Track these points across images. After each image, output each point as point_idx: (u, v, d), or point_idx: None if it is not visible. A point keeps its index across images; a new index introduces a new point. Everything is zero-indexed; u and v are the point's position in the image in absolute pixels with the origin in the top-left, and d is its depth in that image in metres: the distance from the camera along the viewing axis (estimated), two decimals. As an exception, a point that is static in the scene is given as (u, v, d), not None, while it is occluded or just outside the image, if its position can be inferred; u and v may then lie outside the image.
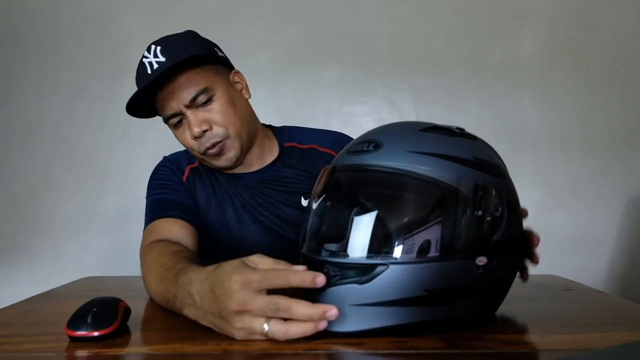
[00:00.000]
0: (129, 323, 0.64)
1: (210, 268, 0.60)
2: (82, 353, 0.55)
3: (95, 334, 0.58)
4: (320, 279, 0.55)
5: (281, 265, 0.58)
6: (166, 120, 0.96)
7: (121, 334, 0.61)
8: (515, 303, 0.75)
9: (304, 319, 0.54)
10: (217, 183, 1.04)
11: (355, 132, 1.20)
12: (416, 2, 1.91)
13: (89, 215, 1.88)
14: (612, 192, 1.91)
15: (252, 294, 0.54)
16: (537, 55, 1.91)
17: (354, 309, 0.57)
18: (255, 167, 1.05)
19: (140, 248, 0.90)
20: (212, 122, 0.94)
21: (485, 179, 0.60)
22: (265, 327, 0.54)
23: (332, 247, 0.63)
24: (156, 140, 1.90)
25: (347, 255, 0.59)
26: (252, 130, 1.02)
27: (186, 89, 0.92)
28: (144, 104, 0.96)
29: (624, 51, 1.92)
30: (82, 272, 1.17)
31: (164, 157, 1.09)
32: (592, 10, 1.92)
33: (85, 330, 0.58)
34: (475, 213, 0.58)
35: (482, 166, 0.61)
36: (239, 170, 1.04)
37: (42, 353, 0.56)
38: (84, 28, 1.89)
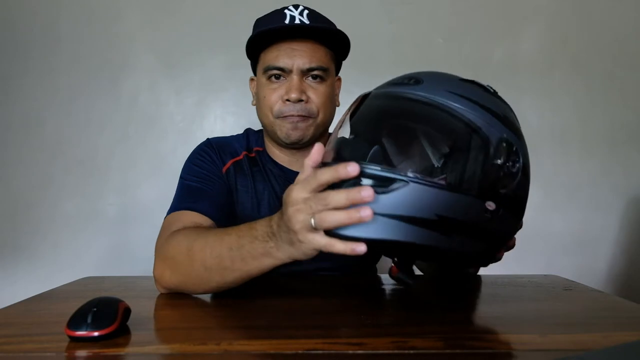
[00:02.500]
0: (129, 323, 0.64)
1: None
2: (82, 353, 0.55)
3: (95, 334, 0.58)
4: (353, 167, 0.57)
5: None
6: (267, 70, 0.96)
7: (121, 334, 0.61)
8: (515, 303, 0.76)
9: (343, 203, 0.57)
10: (260, 178, 1.04)
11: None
12: (416, 2, 1.91)
13: (89, 215, 1.88)
14: (612, 193, 1.91)
15: (304, 192, 0.60)
16: (537, 55, 1.91)
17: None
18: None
19: (162, 237, 0.87)
20: (311, 98, 0.96)
21: (510, 135, 0.64)
22: (312, 221, 0.59)
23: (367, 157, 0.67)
24: (156, 141, 1.91)
25: (373, 167, 0.61)
26: (324, 132, 1.05)
27: (311, 56, 0.94)
28: (256, 44, 0.97)
29: (624, 51, 1.92)
30: (82, 272, 1.17)
31: (208, 139, 1.07)
32: (592, 10, 1.92)
33: (85, 330, 0.58)
34: (495, 160, 0.62)
35: (508, 124, 0.65)
36: (290, 165, 1.05)
37: (42, 353, 0.56)
38: (84, 28, 1.89)
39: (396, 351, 0.55)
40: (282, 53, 0.94)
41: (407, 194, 0.58)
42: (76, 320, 0.59)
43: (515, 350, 0.55)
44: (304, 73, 0.95)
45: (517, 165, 0.64)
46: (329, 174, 0.58)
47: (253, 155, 1.07)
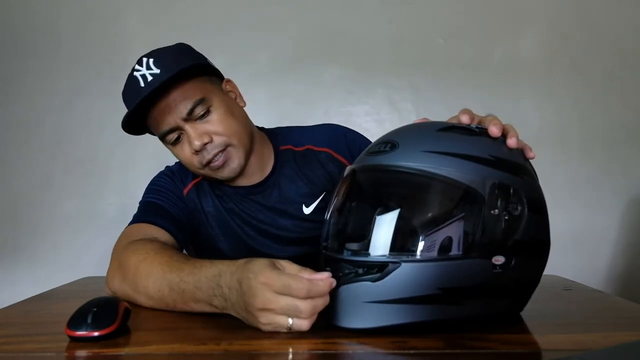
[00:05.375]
0: (129, 323, 0.64)
1: (241, 262, 0.62)
2: (82, 353, 0.55)
3: (95, 334, 0.58)
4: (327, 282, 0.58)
5: (306, 272, 0.59)
6: (163, 137, 0.93)
7: (121, 334, 0.61)
8: (515, 303, 0.75)
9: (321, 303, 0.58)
10: (222, 198, 1.03)
11: (355, 132, 1.20)
12: (416, 2, 1.91)
13: (89, 215, 1.88)
14: (612, 193, 1.91)
15: (275, 295, 0.57)
16: (537, 56, 1.91)
17: (367, 306, 0.58)
18: (257, 177, 1.03)
19: (121, 243, 0.88)
20: (213, 133, 0.91)
21: (503, 177, 0.59)
22: (290, 321, 0.58)
23: (352, 246, 0.64)
24: (156, 141, 1.90)
25: (360, 254, 0.61)
26: (252, 138, 1.00)
27: (182, 102, 0.89)
28: (136, 120, 0.92)
29: (624, 51, 1.91)
30: (82, 272, 1.17)
31: (167, 167, 1.07)
32: (592, 11, 1.92)
33: (85, 330, 0.58)
34: (492, 212, 0.58)
35: (500, 164, 0.60)
36: (241, 182, 1.02)
37: (42, 353, 0.56)
38: (84, 28, 1.89)
39: (396, 351, 0.55)
40: (159, 117, 0.90)
41: (402, 275, 0.57)
42: (76, 320, 0.59)
43: (516, 350, 0.55)
44: (188, 118, 0.90)
45: (520, 206, 0.59)
46: (303, 290, 0.57)
47: None
